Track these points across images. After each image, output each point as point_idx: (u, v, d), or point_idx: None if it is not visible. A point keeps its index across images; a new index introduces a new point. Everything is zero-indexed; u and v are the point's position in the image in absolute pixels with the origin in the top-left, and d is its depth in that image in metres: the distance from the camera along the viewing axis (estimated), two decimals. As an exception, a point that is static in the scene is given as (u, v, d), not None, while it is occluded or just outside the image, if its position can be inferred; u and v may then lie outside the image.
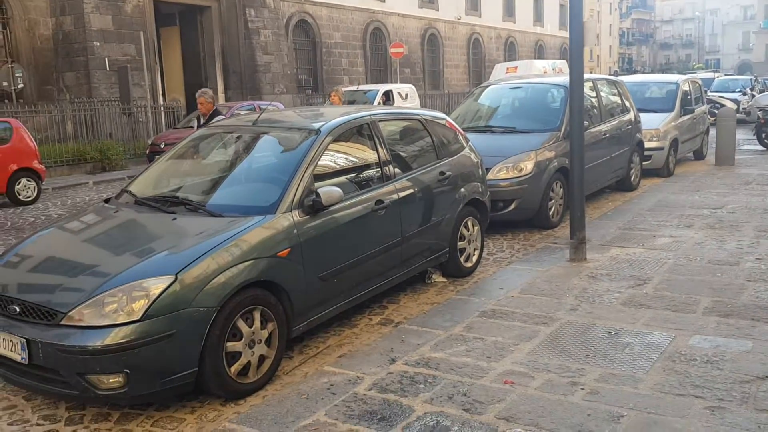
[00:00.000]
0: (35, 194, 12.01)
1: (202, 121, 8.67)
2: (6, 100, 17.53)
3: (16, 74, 17.81)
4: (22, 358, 3.47)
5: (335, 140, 4.84)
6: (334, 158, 4.89)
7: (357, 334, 4.80)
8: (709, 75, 33.46)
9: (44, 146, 15.34)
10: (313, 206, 4.29)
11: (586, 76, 8.87)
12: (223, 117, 8.35)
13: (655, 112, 11.58)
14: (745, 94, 22.88)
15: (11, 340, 3.51)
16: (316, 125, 4.83)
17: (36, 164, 12.13)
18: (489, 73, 31.73)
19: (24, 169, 11.85)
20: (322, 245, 4.34)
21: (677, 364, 3.88)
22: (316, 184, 4.42)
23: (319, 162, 4.58)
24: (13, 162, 11.69)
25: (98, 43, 18.94)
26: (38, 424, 3.63)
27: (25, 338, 3.45)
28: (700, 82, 14.55)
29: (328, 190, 4.36)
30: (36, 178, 12.08)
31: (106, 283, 3.50)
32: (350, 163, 5.12)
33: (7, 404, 3.88)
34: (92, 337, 3.34)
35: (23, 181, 11.86)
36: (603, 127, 9.21)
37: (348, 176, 4.97)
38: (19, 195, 11.76)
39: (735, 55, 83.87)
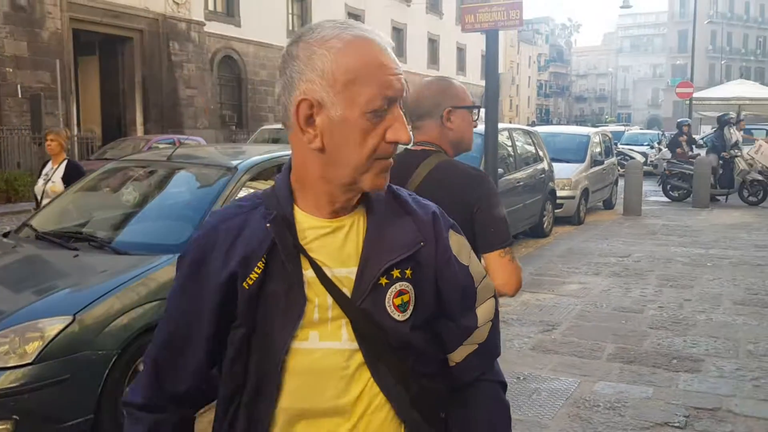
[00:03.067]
0: (-69, 224, 11.31)
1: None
2: None
3: None
4: None
5: (253, 179, 4.77)
6: (250, 197, 4.82)
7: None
8: (620, 128, 35.29)
9: (-55, 173, 14.51)
10: (225, 246, 4.19)
11: (502, 125, 9.19)
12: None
13: (568, 162, 12.06)
14: (653, 147, 24.16)
15: None
16: (234, 162, 4.77)
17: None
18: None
19: None
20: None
21: (582, 410, 3.97)
22: (230, 224, 4.33)
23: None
24: None
25: (11, 69, 18.22)
26: None
27: None
28: (610, 134, 15.30)
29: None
30: (-67, 206, 11.39)
31: (-1, 323, 3.30)
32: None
33: None
34: (-21, 381, 3.13)
35: None
36: (518, 175, 9.50)
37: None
38: None
39: (645, 110, 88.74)
